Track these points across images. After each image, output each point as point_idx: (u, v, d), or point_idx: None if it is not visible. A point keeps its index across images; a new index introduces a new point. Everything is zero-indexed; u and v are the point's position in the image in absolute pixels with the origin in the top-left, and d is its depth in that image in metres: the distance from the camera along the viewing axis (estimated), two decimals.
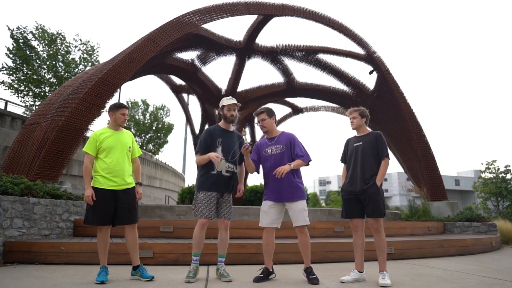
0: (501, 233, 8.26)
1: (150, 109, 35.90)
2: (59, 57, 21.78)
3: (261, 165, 3.71)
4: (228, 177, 3.58)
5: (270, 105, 16.73)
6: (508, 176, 28.95)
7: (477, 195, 31.20)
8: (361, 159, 3.60)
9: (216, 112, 3.96)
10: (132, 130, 33.45)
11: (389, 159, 3.60)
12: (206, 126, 14.98)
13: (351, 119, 3.79)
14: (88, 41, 23.61)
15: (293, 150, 3.57)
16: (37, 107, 19.74)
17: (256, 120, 3.75)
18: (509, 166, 29.01)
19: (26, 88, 21.10)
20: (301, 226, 3.44)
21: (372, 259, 4.43)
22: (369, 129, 3.83)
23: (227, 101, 3.72)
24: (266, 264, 3.52)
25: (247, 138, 3.63)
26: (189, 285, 3.23)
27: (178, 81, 14.86)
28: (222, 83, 15.55)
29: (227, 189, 3.58)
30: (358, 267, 3.56)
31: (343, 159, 3.89)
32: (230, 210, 3.64)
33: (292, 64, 14.32)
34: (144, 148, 33.59)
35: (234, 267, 4.27)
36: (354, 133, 3.89)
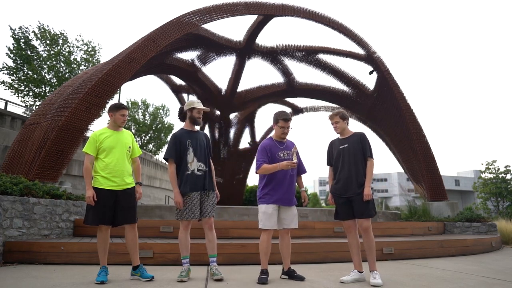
0: (501, 233, 8.26)
1: (150, 109, 35.90)
2: (61, 57, 21.78)
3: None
4: (201, 175, 3.62)
5: (270, 106, 16.65)
6: (508, 176, 29.00)
7: (477, 195, 31.23)
8: (349, 162, 3.62)
9: (181, 109, 3.84)
10: (132, 130, 33.45)
11: (373, 159, 3.64)
12: (206, 126, 14.97)
13: (334, 124, 3.78)
14: (90, 42, 23.65)
15: (298, 162, 3.73)
16: (37, 107, 19.74)
17: (280, 123, 3.64)
18: (509, 166, 29.04)
19: (26, 88, 21.11)
20: (292, 229, 3.58)
21: None
22: (352, 130, 3.85)
23: (198, 104, 3.80)
24: (265, 265, 3.49)
25: (294, 156, 3.56)
26: (189, 285, 3.23)
27: (178, 81, 14.86)
28: (222, 83, 15.55)
29: (205, 186, 3.61)
30: (357, 267, 3.57)
31: (329, 162, 3.89)
32: (212, 208, 3.65)
33: (292, 64, 14.32)
34: (144, 148, 33.58)
35: (234, 267, 4.27)
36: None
